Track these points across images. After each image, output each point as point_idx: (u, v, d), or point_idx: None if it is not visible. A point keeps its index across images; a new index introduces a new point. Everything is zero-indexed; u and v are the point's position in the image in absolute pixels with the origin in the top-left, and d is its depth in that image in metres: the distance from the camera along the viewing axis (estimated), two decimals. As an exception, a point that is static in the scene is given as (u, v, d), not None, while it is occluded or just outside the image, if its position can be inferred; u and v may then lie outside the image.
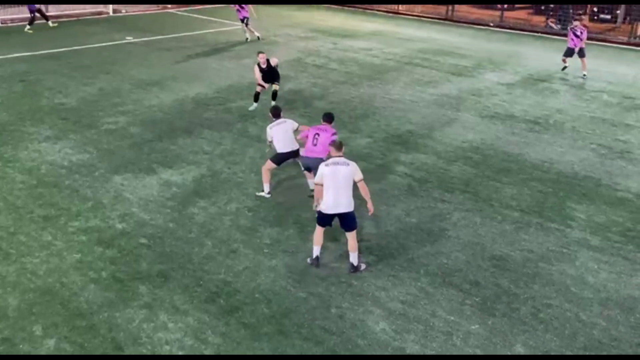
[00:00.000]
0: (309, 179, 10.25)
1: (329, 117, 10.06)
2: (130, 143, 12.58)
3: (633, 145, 13.41)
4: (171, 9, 30.01)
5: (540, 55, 21.81)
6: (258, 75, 14.46)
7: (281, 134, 10.17)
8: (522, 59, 21.17)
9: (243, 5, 22.77)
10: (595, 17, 28.76)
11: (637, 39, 25.18)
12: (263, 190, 10.42)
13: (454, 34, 26.21)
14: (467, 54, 21.94)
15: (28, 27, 23.39)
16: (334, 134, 9.78)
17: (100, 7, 28.53)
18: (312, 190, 9.48)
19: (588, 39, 25.32)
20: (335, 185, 8.00)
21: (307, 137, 9.92)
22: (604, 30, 26.91)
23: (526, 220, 9.93)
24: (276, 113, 10.43)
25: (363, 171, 7.68)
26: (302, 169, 10.30)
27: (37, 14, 23.62)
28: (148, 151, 12.19)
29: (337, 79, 18.10)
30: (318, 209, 8.25)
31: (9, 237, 8.91)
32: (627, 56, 22.84)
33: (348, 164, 8.13)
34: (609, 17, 28.46)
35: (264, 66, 14.35)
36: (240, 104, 15.25)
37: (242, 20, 23.02)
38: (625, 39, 25.27)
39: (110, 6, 28.01)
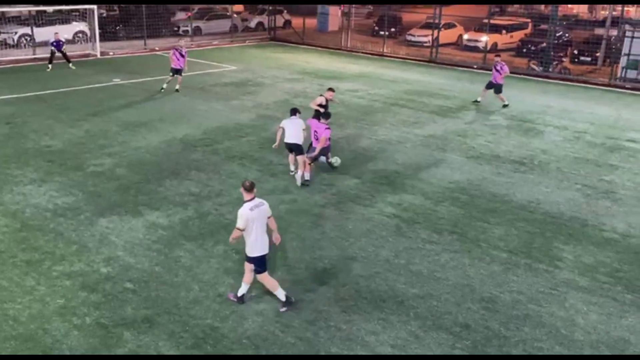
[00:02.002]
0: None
1: (319, 115, 12.96)
2: (116, 185, 12.49)
3: (617, 185, 13.55)
4: (159, 51, 30.29)
5: (523, 96, 22.18)
6: (319, 102, 14.19)
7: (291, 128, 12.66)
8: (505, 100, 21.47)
9: (184, 53, 20.61)
10: (576, 60, 29.47)
11: (618, 80, 25.71)
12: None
13: (438, 75, 26.63)
14: (451, 95, 22.27)
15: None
16: (327, 127, 12.60)
17: (87, 49, 28.77)
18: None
19: (571, 80, 26.08)
20: (260, 226, 8.03)
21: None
22: (584, 72, 27.53)
23: (514, 261, 9.92)
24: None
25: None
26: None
27: (58, 53, 24.19)
28: (134, 193, 12.10)
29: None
30: (253, 255, 8.08)
31: (-9, 283, 8.73)
32: (608, 97, 23.28)
33: (264, 203, 8.18)
34: (589, 59, 29.16)
35: (327, 102, 14.36)
36: (228, 145, 15.27)
37: (176, 72, 20.63)
38: (605, 80, 25.81)
39: (98, 48, 28.24)
